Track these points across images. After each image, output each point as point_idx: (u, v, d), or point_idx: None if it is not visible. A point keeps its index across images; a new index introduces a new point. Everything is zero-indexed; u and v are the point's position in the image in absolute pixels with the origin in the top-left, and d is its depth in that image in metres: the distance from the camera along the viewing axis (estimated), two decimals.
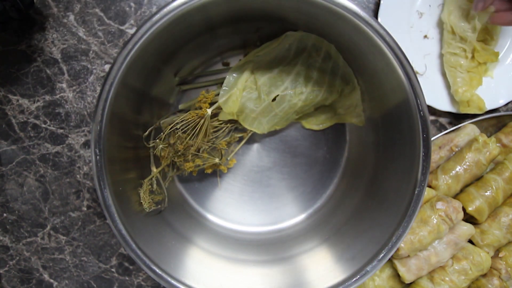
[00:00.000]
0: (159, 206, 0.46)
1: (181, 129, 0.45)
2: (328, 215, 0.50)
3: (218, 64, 0.51)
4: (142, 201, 0.44)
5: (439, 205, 0.47)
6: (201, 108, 0.46)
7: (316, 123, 0.51)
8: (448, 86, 0.53)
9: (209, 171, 0.49)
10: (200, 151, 0.46)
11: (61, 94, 0.53)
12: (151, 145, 0.47)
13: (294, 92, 0.46)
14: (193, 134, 0.45)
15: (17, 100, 0.53)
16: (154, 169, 0.47)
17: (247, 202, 0.52)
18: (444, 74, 0.53)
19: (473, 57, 0.52)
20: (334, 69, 0.46)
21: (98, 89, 0.53)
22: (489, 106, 0.53)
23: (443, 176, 0.50)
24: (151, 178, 0.46)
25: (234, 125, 0.49)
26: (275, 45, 0.46)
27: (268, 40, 0.47)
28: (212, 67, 0.51)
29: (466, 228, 0.49)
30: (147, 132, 0.47)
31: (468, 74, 0.52)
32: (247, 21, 0.45)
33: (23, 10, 0.48)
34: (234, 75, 0.46)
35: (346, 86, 0.47)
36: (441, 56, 0.54)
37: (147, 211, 0.44)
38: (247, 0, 0.40)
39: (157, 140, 0.46)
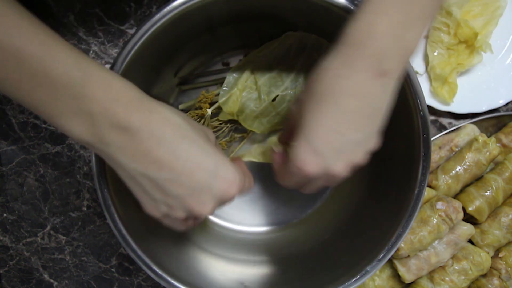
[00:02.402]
0: None
1: None
2: (328, 215, 0.50)
3: (218, 64, 0.51)
4: None
5: (439, 205, 0.47)
6: (201, 108, 0.46)
7: None
8: None
9: None
10: None
11: None
12: None
13: (294, 92, 0.46)
14: None
15: None
16: None
17: (247, 202, 0.52)
18: None
19: (455, 34, 0.51)
20: None
21: None
22: (489, 106, 0.53)
23: (443, 176, 0.50)
24: None
25: (234, 125, 0.49)
26: (275, 45, 0.46)
27: (268, 40, 0.47)
28: (212, 67, 0.51)
29: (466, 228, 0.49)
30: None
31: (447, 51, 0.51)
32: (247, 21, 0.45)
33: None
34: (234, 75, 0.46)
35: None
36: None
37: None
38: (247, 0, 0.40)
39: None
